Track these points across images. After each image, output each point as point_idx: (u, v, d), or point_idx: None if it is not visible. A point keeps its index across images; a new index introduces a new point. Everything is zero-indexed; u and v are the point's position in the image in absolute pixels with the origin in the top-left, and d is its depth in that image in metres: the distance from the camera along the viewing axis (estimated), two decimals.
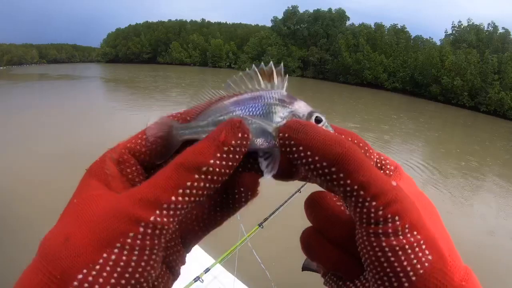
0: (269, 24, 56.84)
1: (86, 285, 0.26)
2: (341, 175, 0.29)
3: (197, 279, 2.68)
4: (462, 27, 41.13)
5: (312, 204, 0.36)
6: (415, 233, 0.29)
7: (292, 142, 0.31)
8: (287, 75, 0.37)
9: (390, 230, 0.29)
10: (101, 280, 0.26)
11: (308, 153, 0.30)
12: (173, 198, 0.28)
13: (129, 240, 0.27)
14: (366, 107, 27.26)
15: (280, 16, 54.62)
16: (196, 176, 0.29)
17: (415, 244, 0.29)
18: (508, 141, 20.37)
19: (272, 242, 5.30)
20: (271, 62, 0.37)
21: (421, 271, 0.28)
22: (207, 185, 0.30)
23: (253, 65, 0.37)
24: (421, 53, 41.02)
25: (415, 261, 0.28)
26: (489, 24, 39.92)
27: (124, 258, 0.27)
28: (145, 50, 68.25)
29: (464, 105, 34.81)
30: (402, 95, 40.03)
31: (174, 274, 0.36)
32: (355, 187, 0.29)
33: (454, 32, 41.73)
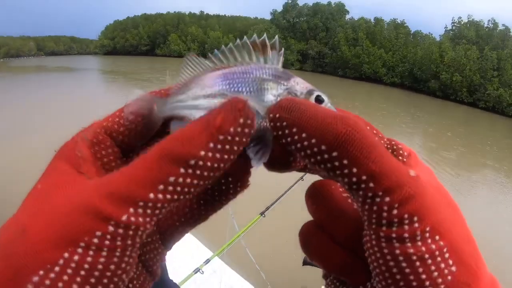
0: (268, 17, 56.69)
1: None
2: (345, 161, 0.23)
3: (197, 270, 2.63)
4: (462, 23, 40.99)
5: (314, 195, 0.31)
6: (437, 238, 0.23)
7: (284, 124, 0.25)
8: (282, 49, 0.32)
9: (406, 235, 0.23)
10: (60, 284, 0.22)
11: (303, 135, 0.24)
12: (151, 195, 0.23)
13: (95, 240, 0.23)
14: (363, 101, 27.22)
15: (279, 9, 54.30)
16: (182, 170, 0.24)
17: (436, 253, 0.23)
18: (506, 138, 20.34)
19: (274, 232, 5.24)
20: (265, 35, 0.32)
21: (442, 286, 0.23)
22: (195, 181, 0.24)
23: (245, 36, 0.32)
24: (421, 48, 40.86)
25: (435, 273, 0.23)
26: (489, 20, 39.74)
27: (89, 259, 0.22)
28: (143, 42, 67.93)
29: (463, 101, 34.73)
30: (400, 90, 39.96)
31: (152, 274, 0.33)
32: (363, 177, 0.23)
33: (453, 28, 41.60)
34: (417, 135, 17.12)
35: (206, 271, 2.83)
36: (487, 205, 9.38)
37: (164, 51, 64.68)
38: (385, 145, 0.32)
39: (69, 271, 0.22)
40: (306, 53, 50.40)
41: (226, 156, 0.25)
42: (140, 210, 0.23)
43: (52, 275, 0.22)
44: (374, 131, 0.31)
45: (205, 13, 73.08)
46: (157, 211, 0.24)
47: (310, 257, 0.32)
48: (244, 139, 0.25)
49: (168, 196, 0.24)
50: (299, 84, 0.31)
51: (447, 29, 42.60)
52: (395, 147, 0.32)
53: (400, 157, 0.31)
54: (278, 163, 0.30)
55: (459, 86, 35.10)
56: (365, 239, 0.26)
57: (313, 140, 0.24)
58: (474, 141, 17.55)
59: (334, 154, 0.23)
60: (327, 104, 0.31)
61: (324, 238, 0.31)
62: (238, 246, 3.13)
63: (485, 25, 39.61)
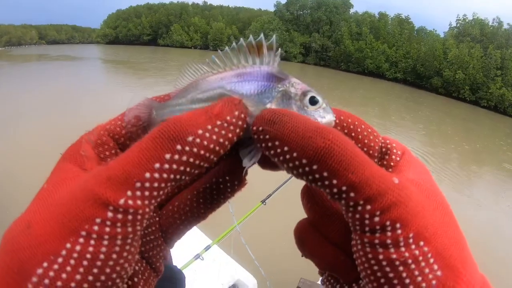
0: (272, 8, 56.22)
1: (46, 281, 0.22)
2: (325, 174, 0.24)
3: (197, 256, 2.63)
4: (466, 20, 40.70)
5: (308, 194, 0.32)
6: (421, 244, 0.24)
7: (267, 137, 0.26)
8: (279, 49, 0.32)
9: (389, 241, 0.24)
10: (64, 275, 0.22)
11: (285, 148, 0.25)
12: (147, 174, 0.23)
13: (95, 228, 0.22)
14: (365, 96, 27.14)
15: (283, 1, 53.77)
16: (179, 147, 0.24)
17: (420, 258, 0.24)
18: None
19: (275, 220, 5.22)
20: (262, 35, 0.32)
21: None
22: (191, 160, 0.24)
23: (241, 38, 0.32)
24: (424, 45, 40.62)
25: (419, 278, 0.24)
26: (494, 19, 39.38)
27: (91, 249, 0.22)
28: (145, 32, 67.56)
29: (465, 99, 34.56)
30: (403, 86, 39.85)
31: (156, 270, 0.33)
32: (343, 188, 0.24)
33: (458, 25, 41.28)
34: (416, 132, 17.07)
35: (206, 258, 2.83)
36: None
37: (166, 41, 64.31)
38: (379, 144, 0.32)
39: (72, 261, 0.22)
40: (309, 46, 50.06)
41: (221, 140, 0.25)
42: (138, 193, 0.23)
43: (55, 266, 0.22)
44: (369, 130, 0.31)
45: (208, 3, 72.70)
46: (155, 193, 0.24)
47: (304, 254, 0.33)
48: (237, 130, 0.26)
49: (165, 175, 0.23)
50: (294, 85, 0.31)
51: (452, 26, 42.29)
52: (389, 146, 0.32)
53: (393, 156, 0.31)
54: (269, 164, 0.30)
55: (462, 84, 34.93)
56: (352, 243, 0.27)
57: (294, 154, 0.24)
58: (478, 142, 17.51)
59: (315, 167, 0.24)
60: (321, 105, 0.31)
61: (317, 236, 0.32)
62: (238, 236, 3.12)
63: (490, 24, 39.30)
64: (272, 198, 3.28)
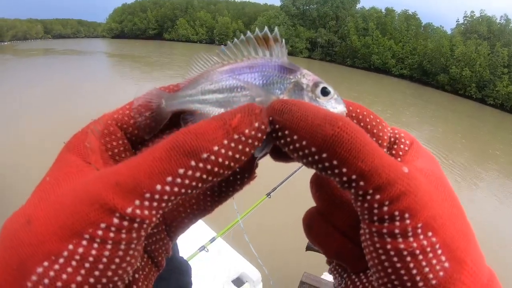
0: (278, 3, 55.97)
1: (46, 280, 0.22)
2: (335, 162, 0.24)
3: (202, 248, 2.67)
4: (474, 17, 40.30)
5: (317, 183, 0.32)
6: (429, 234, 0.23)
7: (277, 126, 0.26)
8: (283, 40, 0.32)
9: (397, 230, 0.24)
10: (64, 276, 0.22)
11: (295, 137, 0.25)
12: (158, 187, 0.23)
13: (100, 232, 0.22)
14: (373, 92, 27.03)
15: None
16: (193, 163, 0.23)
17: (428, 249, 0.23)
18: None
19: (281, 213, 5.24)
20: (266, 28, 0.32)
21: (434, 282, 0.23)
22: (204, 176, 0.24)
23: (248, 31, 0.33)
24: (431, 41, 40.24)
25: (426, 269, 0.23)
26: (501, 16, 38.97)
27: (93, 252, 0.22)
28: (151, 26, 67.52)
29: (471, 96, 34.27)
30: (409, 82, 39.60)
31: (157, 265, 0.33)
32: (353, 176, 0.24)
33: (465, 22, 40.91)
34: (427, 126, 17.00)
35: (211, 250, 2.86)
36: None
37: (172, 36, 64.28)
38: (388, 134, 0.31)
39: (74, 263, 0.22)
40: (315, 41, 49.80)
41: (237, 156, 0.24)
42: (146, 203, 0.23)
43: (56, 266, 0.22)
44: (378, 120, 0.31)
45: None
46: (163, 204, 0.23)
47: (312, 242, 0.33)
48: (256, 143, 0.25)
49: (176, 189, 0.23)
50: (306, 77, 0.31)
51: (459, 23, 41.93)
52: (397, 135, 0.32)
53: (401, 146, 0.31)
54: (280, 155, 0.30)
55: (468, 81, 34.66)
56: (361, 232, 0.27)
57: (304, 142, 0.24)
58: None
59: (324, 155, 0.24)
60: (333, 95, 0.31)
61: (326, 225, 0.32)
62: (242, 229, 3.15)
63: (498, 21, 38.90)
64: (277, 191, 3.30)
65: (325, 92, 0.30)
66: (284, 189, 3.38)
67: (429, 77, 39.23)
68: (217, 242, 3.01)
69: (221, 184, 0.32)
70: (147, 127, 0.32)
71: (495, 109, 31.48)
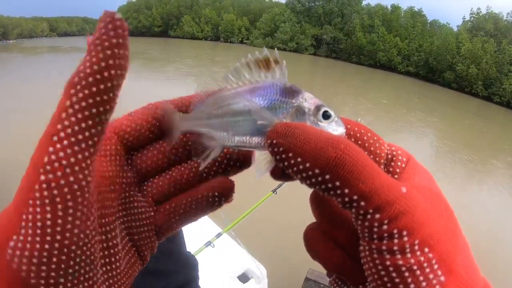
0: (283, 0, 55.93)
1: (18, 253, 0.23)
2: (337, 183, 0.25)
3: (208, 243, 2.69)
4: (480, 14, 39.99)
5: (317, 200, 0.33)
6: (426, 250, 0.25)
7: (281, 149, 0.27)
8: (284, 62, 0.33)
9: (396, 248, 0.25)
10: (28, 245, 0.23)
11: (299, 159, 0.26)
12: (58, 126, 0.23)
13: (37, 194, 0.22)
14: (381, 90, 26.95)
15: None
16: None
17: (425, 264, 0.25)
18: None
19: (287, 210, 5.26)
20: (265, 49, 0.33)
21: None
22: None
23: (249, 54, 0.33)
24: (437, 38, 40.03)
25: (424, 283, 0.25)
26: (508, 13, 38.63)
27: (38, 216, 0.22)
28: (156, 23, 67.64)
29: (478, 94, 34.02)
30: (415, 80, 39.42)
31: (142, 259, 0.34)
32: (354, 197, 0.25)
33: (472, 19, 40.61)
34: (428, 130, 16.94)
35: (217, 245, 2.88)
36: None
37: (177, 33, 64.35)
38: (385, 151, 0.33)
39: (30, 231, 0.23)
40: (321, 38, 49.69)
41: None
42: (57, 145, 0.23)
43: (20, 238, 0.23)
44: (375, 138, 0.32)
45: None
46: (73, 138, 0.23)
47: (313, 257, 0.34)
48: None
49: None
50: (308, 100, 0.32)
51: (465, 20, 41.62)
52: (394, 153, 0.33)
53: (398, 163, 0.32)
54: (280, 175, 0.31)
55: (475, 78, 34.37)
56: (360, 248, 0.28)
57: (307, 164, 0.25)
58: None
59: (327, 177, 0.25)
60: (334, 118, 0.31)
61: (326, 240, 0.33)
62: (249, 225, 3.17)
63: (504, 18, 38.59)
64: (283, 188, 3.31)
65: (326, 116, 0.31)
66: (290, 185, 3.37)
67: (435, 75, 39.01)
68: (223, 238, 3.03)
69: (203, 202, 0.34)
70: (146, 139, 0.34)
71: (501, 107, 31.19)
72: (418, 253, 0.25)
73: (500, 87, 32.84)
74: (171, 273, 0.83)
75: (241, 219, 3.06)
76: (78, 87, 0.23)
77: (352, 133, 0.32)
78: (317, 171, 0.25)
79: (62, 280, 0.23)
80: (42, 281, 0.23)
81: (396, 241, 0.25)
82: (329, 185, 0.25)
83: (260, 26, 54.30)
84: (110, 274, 0.29)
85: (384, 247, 0.25)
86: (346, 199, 0.25)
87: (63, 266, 0.23)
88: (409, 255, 0.25)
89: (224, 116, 0.33)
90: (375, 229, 0.25)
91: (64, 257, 0.23)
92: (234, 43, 57.97)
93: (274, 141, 0.27)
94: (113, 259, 0.29)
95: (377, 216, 0.25)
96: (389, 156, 0.33)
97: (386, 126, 14.15)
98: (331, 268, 0.33)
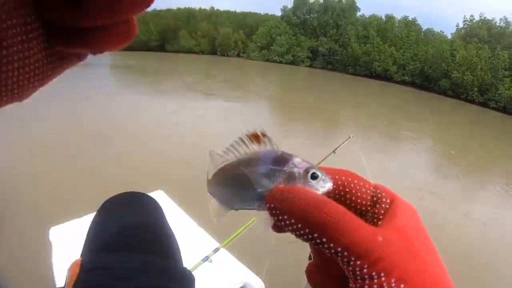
0: (279, 13, 56.24)
1: None
2: (324, 239, 0.30)
3: (205, 259, 2.71)
4: (474, 21, 40.32)
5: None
6: (402, 286, 0.29)
7: (278, 212, 0.32)
8: (270, 136, 0.38)
9: (375, 286, 0.29)
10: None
11: (292, 220, 0.31)
12: None
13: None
14: (378, 101, 27.05)
15: (290, 5, 53.94)
16: None
17: None
18: None
19: None
20: (254, 128, 0.38)
21: None
22: None
23: (243, 133, 0.39)
24: (432, 47, 40.17)
25: None
26: (501, 19, 38.85)
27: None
28: (153, 38, 67.96)
29: (474, 100, 34.08)
30: (411, 88, 39.55)
31: (48, 40, 0.26)
32: (339, 249, 0.30)
33: (465, 26, 40.97)
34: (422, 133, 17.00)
35: (214, 260, 2.92)
36: None
37: (174, 47, 64.68)
38: (371, 194, 0.37)
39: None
40: (317, 50, 50.01)
41: None
42: None
43: None
44: (361, 183, 0.37)
45: (215, 9, 72.91)
46: None
47: (313, 287, 0.40)
48: None
49: None
50: (297, 165, 0.36)
51: (459, 27, 41.98)
52: (379, 195, 0.37)
53: (382, 205, 0.37)
54: (282, 230, 0.35)
55: (470, 85, 34.47)
56: (350, 285, 0.32)
57: (299, 225, 0.31)
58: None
59: (315, 235, 0.30)
60: (321, 177, 0.36)
61: (322, 277, 0.39)
62: (247, 239, 3.21)
63: (497, 24, 38.92)
64: None
65: (314, 177, 0.36)
66: None
67: (431, 83, 39.11)
68: (220, 253, 3.06)
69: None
70: None
71: (498, 113, 31.31)
72: None
73: (496, 92, 33.02)
74: None
75: (239, 233, 3.10)
76: None
77: (340, 182, 0.37)
78: (307, 230, 0.31)
79: None
80: None
81: (376, 281, 0.29)
82: (318, 241, 0.30)
83: (256, 39, 54.51)
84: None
85: (366, 286, 0.29)
86: (332, 250, 0.30)
87: None
88: None
89: (230, 183, 0.39)
90: (358, 272, 0.30)
91: None
92: (231, 57, 58.28)
93: (272, 205, 0.33)
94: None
95: (358, 262, 0.29)
96: (374, 199, 0.37)
97: (383, 137, 14.20)
98: None
